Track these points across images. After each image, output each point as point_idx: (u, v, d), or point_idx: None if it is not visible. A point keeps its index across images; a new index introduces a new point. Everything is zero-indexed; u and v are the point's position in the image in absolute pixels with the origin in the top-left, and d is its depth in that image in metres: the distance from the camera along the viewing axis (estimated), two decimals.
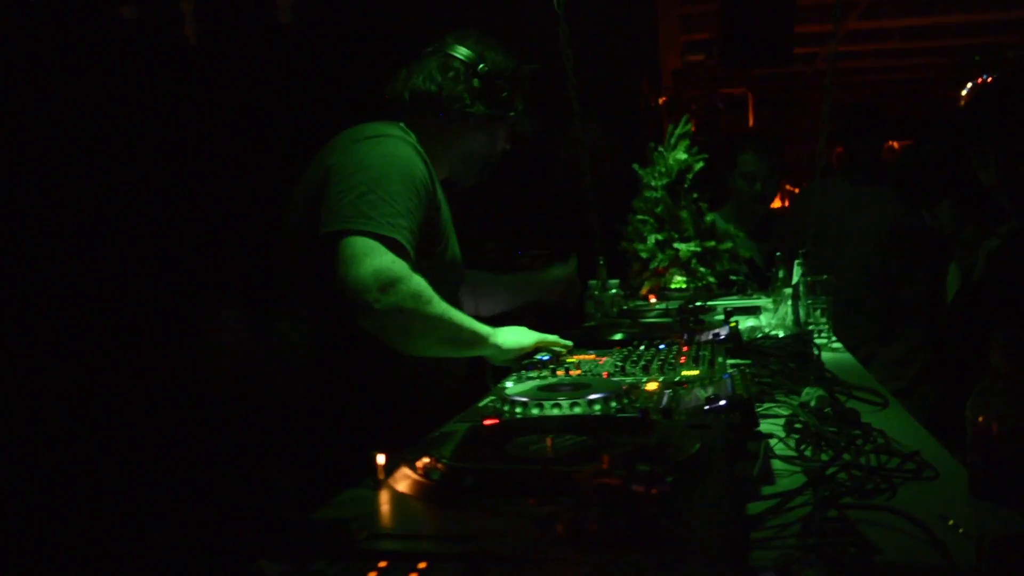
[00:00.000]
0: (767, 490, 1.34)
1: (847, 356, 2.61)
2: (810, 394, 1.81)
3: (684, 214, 3.40)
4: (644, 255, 3.45)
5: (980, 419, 1.08)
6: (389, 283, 1.87)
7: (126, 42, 3.06)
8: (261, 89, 3.41)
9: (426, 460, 1.16)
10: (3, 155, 2.64)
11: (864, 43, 8.95)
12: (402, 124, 2.21)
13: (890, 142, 6.43)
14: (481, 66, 2.26)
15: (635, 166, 3.56)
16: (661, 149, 3.50)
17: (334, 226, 1.93)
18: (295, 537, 0.95)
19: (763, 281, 3.35)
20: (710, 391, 1.59)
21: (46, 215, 2.70)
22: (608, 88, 5.08)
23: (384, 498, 1.13)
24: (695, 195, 3.44)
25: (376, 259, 1.89)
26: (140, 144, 2.96)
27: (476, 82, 2.25)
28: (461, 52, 2.27)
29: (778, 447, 1.56)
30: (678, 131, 3.51)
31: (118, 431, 2.73)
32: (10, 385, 2.54)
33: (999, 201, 2.81)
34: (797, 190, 8.55)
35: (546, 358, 2.17)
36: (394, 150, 2.07)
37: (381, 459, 1.19)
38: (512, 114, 2.33)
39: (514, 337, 2.23)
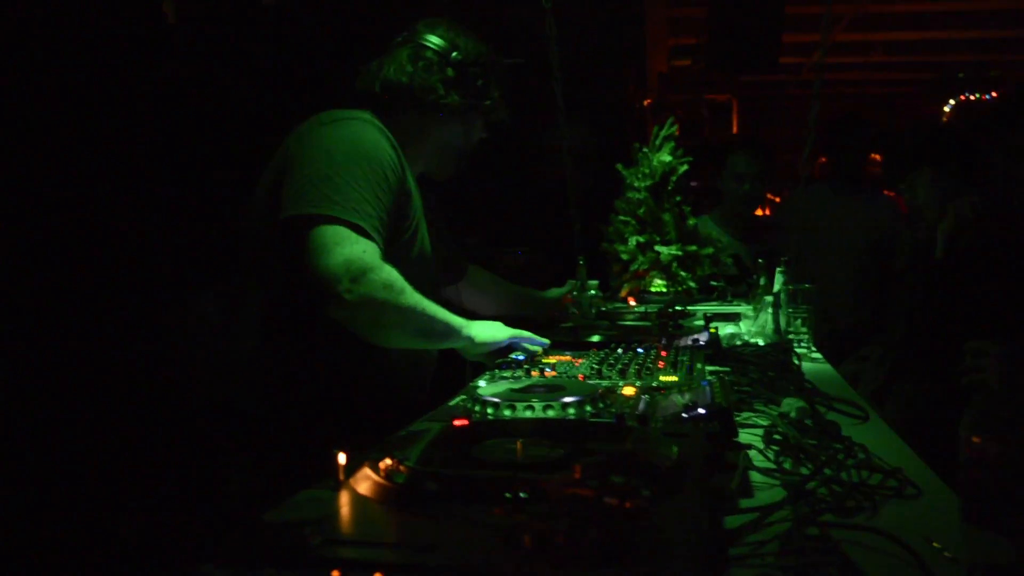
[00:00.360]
0: (745, 503, 1.29)
1: (827, 367, 2.57)
2: (790, 405, 1.76)
3: (667, 217, 3.36)
4: (625, 257, 3.41)
5: (975, 440, 1.02)
6: (360, 273, 1.81)
7: (102, 17, 2.97)
8: (239, 71, 3.34)
9: (389, 461, 1.10)
10: None
11: (849, 55, 8.96)
12: (370, 112, 2.14)
13: (873, 155, 6.44)
14: (454, 54, 2.20)
15: (619, 166, 3.51)
16: (645, 150, 3.46)
17: (298, 210, 1.87)
18: (243, 540, 0.89)
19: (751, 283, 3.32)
20: (688, 398, 1.54)
21: (14, 202, 2.61)
22: (593, 87, 5.04)
23: (343, 501, 1.06)
24: (678, 198, 3.40)
25: (346, 248, 1.83)
26: (108, 126, 2.88)
27: (450, 71, 2.19)
28: (432, 41, 2.20)
29: (757, 459, 1.51)
30: (663, 133, 3.47)
31: (67, 420, 2.64)
32: None
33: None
34: (778, 199, 8.55)
35: (521, 358, 2.12)
36: (361, 133, 2.01)
37: (342, 458, 1.12)
38: (488, 103, 2.27)
39: (488, 331, 2.18)
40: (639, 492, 0.83)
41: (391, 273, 1.88)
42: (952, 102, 10.05)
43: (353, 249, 1.83)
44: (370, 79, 2.20)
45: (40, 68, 2.69)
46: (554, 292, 3.05)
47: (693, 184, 3.51)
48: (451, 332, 2.07)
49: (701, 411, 1.40)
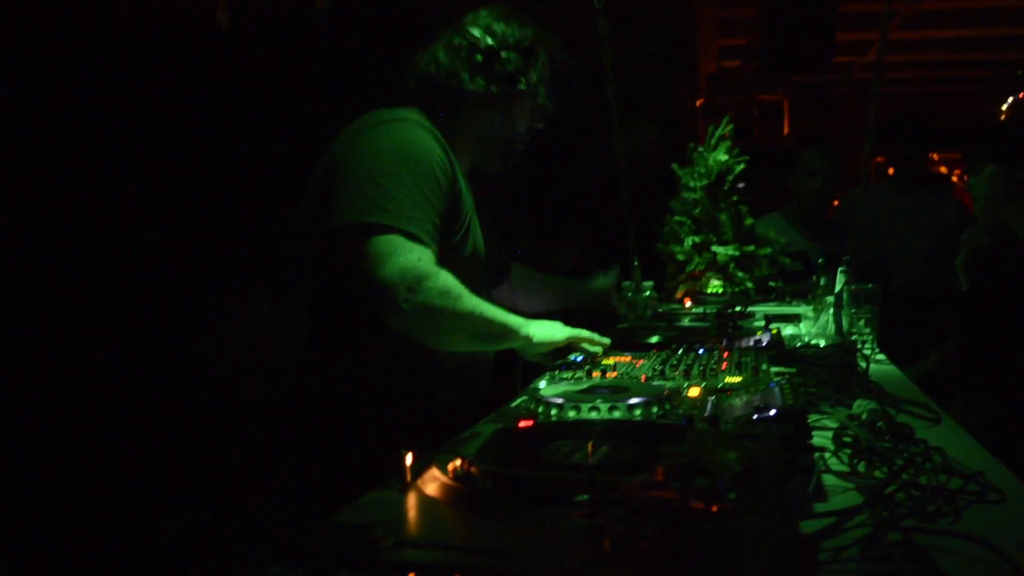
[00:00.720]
0: (819, 507, 1.25)
1: (892, 368, 2.51)
2: (861, 406, 1.71)
3: (723, 216, 3.30)
4: (680, 257, 3.36)
5: None
6: (416, 282, 1.80)
7: (155, 27, 2.99)
8: (291, 78, 3.35)
9: (458, 462, 1.07)
10: (34, 143, 2.58)
11: (905, 53, 8.79)
12: (417, 110, 2.12)
13: (932, 154, 6.34)
14: (486, 40, 2.14)
15: (674, 166, 3.47)
16: (701, 150, 3.41)
17: (350, 218, 1.85)
18: (313, 542, 0.87)
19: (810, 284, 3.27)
20: (758, 400, 1.49)
21: (56, 204, 2.64)
22: (645, 88, 5.00)
23: (411, 502, 1.03)
24: (735, 198, 3.34)
25: (401, 257, 1.81)
26: (163, 130, 2.90)
27: (478, 57, 2.13)
28: (466, 28, 2.16)
29: (829, 462, 1.47)
30: (719, 132, 3.42)
31: (129, 426, 2.66)
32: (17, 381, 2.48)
33: None
34: (836, 202, 8.44)
35: (579, 359, 2.08)
36: (410, 135, 1.98)
37: (409, 459, 1.10)
38: (522, 88, 2.18)
39: (546, 330, 2.15)
40: (725, 495, 0.79)
41: (447, 279, 1.86)
42: (1010, 99, 9.82)
43: (408, 257, 1.81)
44: (410, 73, 2.18)
45: (99, 77, 2.72)
46: (600, 282, 2.96)
47: (740, 186, 3.45)
48: (509, 332, 2.04)
49: (772, 412, 1.36)
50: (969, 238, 2.81)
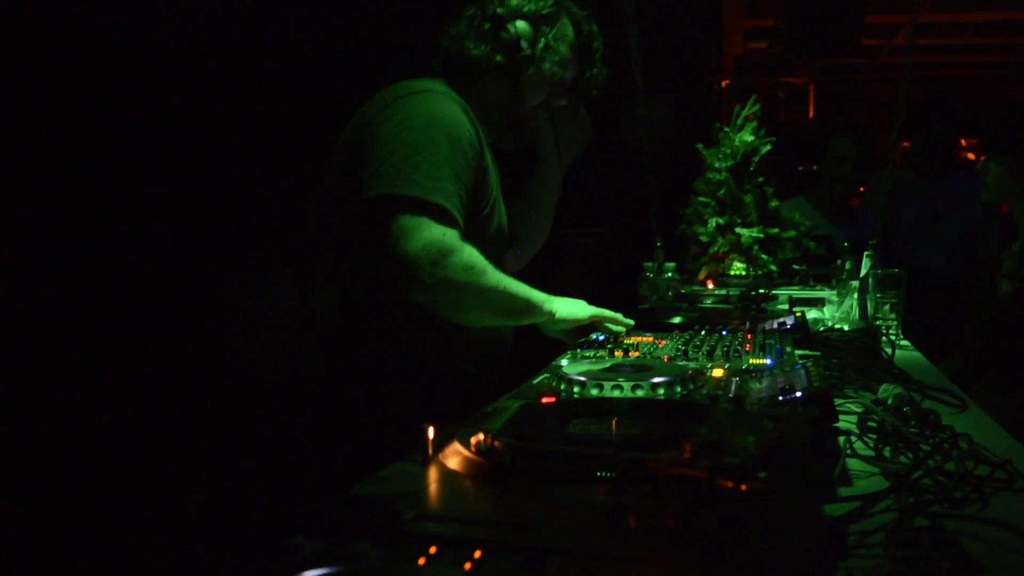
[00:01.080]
0: (843, 491, 1.23)
1: (917, 355, 2.48)
2: (887, 391, 1.69)
3: (748, 198, 3.27)
4: (704, 239, 3.32)
5: None
6: (440, 256, 1.79)
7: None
8: (304, 49, 3.32)
9: (481, 436, 1.06)
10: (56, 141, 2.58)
11: (934, 36, 8.68)
12: (443, 81, 2.10)
13: (960, 139, 6.27)
14: (497, 9, 2.11)
15: (699, 146, 3.43)
16: (727, 130, 3.37)
17: (379, 190, 1.83)
18: (336, 513, 0.86)
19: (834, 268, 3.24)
20: (783, 381, 1.47)
21: (85, 188, 2.63)
22: (672, 67, 4.95)
23: (433, 476, 1.03)
24: (760, 179, 3.31)
25: (425, 232, 1.79)
26: (177, 104, 2.88)
27: (486, 25, 2.10)
28: (487, 3, 2.13)
29: (854, 446, 1.45)
30: (745, 112, 3.38)
31: (152, 399, 2.66)
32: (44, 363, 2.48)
33: None
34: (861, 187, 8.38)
35: (601, 338, 2.07)
36: (438, 107, 1.95)
37: (431, 432, 1.09)
38: (525, 53, 2.10)
39: (569, 308, 2.13)
40: (755, 474, 0.77)
41: (471, 255, 1.84)
42: None
43: (433, 232, 1.80)
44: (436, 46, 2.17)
45: (116, 51, 2.70)
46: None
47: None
48: (533, 308, 2.03)
49: (798, 394, 1.34)
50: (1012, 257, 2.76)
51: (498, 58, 2.10)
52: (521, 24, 2.11)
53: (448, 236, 1.82)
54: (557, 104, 2.27)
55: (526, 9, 2.12)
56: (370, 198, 1.84)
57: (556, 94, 2.23)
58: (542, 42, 2.13)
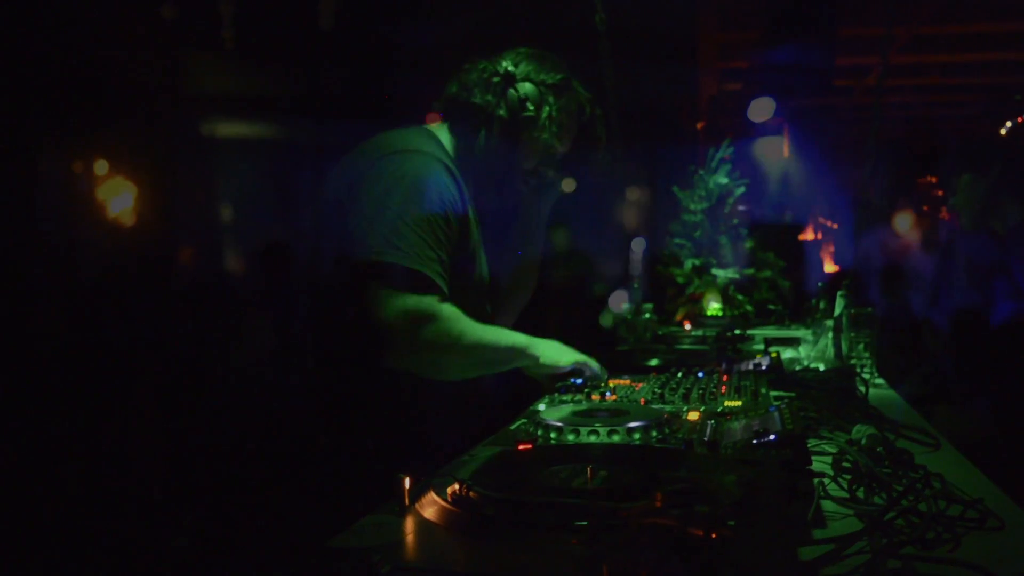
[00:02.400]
0: (818, 533, 1.24)
1: (891, 393, 2.50)
2: (860, 431, 1.70)
3: (723, 239, 3.31)
4: (680, 280, 3.36)
5: None
6: (419, 324, 1.81)
7: (164, 43, 3.00)
8: (297, 94, 3.35)
9: (456, 487, 1.07)
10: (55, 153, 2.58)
11: (905, 78, 8.82)
12: (428, 128, 2.12)
13: (929, 177, 6.35)
14: (509, 68, 2.15)
15: (675, 189, 3.47)
16: (701, 172, 3.41)
17: (362, 256, 1.85)
18: (311, 565, 0.86)
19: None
20: (757, 424, 1.49)
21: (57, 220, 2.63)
22: (646, 110, 5.01)
23: (409, 526, 1.03)
24: (735, 221, 3.35)
25: (409, 299, 1.82)
26: (170, 145, 2.90)
27: (496, 79, 2.12)
28: (498, 57, 2.17)
29: (828, 488, 1.46)
30: (719, 155, 3.42)
31: (126, 449, 2.65)
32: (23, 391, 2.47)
33: None
34: (835, 224, 8.45)
35: (579, 381, 2.08)
36: (423, 170, 1.96)
37: (407, 482, 1.10)
38: (529, 114, 2.13)
39: (553, 352, 2.14)
40: (725, 522, 0.79)
41: (450, 319, 1.86)
42: (1008, 124, 9.85)
43: (411, 300, 1.82)
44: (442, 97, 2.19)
45: (113, 95, 2.72)
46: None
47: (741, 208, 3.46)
48: (516, 355, 2.04)
49: (772, 437, 1.35)
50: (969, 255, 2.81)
51: (501, 112, 2.13)
52: (529, 87, 2.15)
53: (426, 302, 1.83)
54: (545, 174, 2.30)
55: (536, 76, 2.16)
56: (350, 261, 1.86)
57: (547, 164, 2.26)
58: (546, 110, 2.16)
